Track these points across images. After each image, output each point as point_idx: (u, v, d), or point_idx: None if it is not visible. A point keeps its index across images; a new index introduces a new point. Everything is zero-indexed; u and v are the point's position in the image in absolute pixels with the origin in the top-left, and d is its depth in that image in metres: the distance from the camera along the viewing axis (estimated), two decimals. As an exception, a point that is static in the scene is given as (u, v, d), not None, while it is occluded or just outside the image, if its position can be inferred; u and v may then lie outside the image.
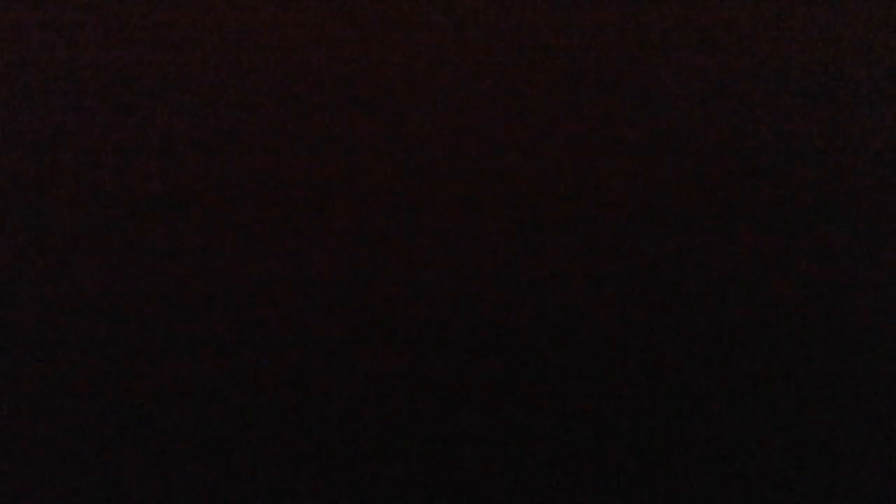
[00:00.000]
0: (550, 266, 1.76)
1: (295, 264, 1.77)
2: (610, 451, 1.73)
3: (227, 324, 1.75)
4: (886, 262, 1.76)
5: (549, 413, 1.75)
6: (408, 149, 1.79)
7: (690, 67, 1.79)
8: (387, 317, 1.76)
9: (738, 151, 1.79)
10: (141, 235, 1.77)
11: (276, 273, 1.76)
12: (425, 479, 1.73)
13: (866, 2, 1.76)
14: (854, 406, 1.75)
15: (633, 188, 1.78)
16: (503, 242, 1.77)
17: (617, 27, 1.79)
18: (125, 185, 1.78)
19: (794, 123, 1.79)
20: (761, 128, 1.79)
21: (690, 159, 1.78)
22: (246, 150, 1.78)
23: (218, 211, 1.77)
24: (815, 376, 1.75)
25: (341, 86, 1.79)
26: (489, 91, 1.79)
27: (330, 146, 1.78)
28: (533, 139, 1.79)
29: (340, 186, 1.78)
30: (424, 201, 1.78)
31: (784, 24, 1.79)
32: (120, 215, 1.77)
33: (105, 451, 1.73)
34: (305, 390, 1.75)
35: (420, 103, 1.79)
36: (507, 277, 1.76)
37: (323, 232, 1.77)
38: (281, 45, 1.79)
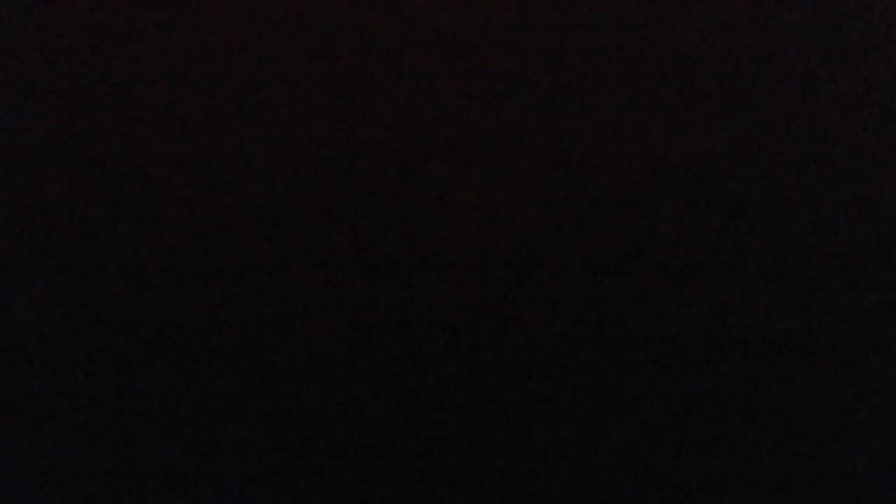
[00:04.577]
0: (551, 266, 1.76)
1: (294, 264, 1.77)
2: (609, 452, 1.74)
3: (226, 323, 1.75)
4: (886, 262, 1.77)
5: (548, 413, 1.75)
6: (407, 147, 1.79)
7: (690, 66, 1.79)
8: (387, 316, 1.76)
9: (738, 150, 1.79)
10: (139, 236, 1.77)
11: (276, 273, 1.76)
12: (424, 480, 1.73)
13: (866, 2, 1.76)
14: (854, 406, 1.75)
15: (632, 185, 1.78)
16: (503, 242, 1.77)
17: (617, 26, 1.79)
18: (123, 185, 1.78)
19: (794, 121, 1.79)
20: (761, 127, 1.79)
21: (691, 158, 1.78)
22: (246, 149, 1.78)
23: (217, 210, 1.77)
24: (813, 376, 1.76)
25: (339, 85, 1.79)
26: (489, 89, 1.79)
27: (329, 146, 1.79)
28: (532, 138, 1.79)
29: (340, 185, 1.78)
30: (423, 198, 1.79)
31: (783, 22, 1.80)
32: (119, 215, 1.77)
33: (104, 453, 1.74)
34: (306, 390, 1.76)
35: (419, 102, 1.79)
36: (507, 277, 1.77)
37: (321, 232, 1.77)
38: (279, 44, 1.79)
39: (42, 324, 1.75)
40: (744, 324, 1.76)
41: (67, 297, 1.76)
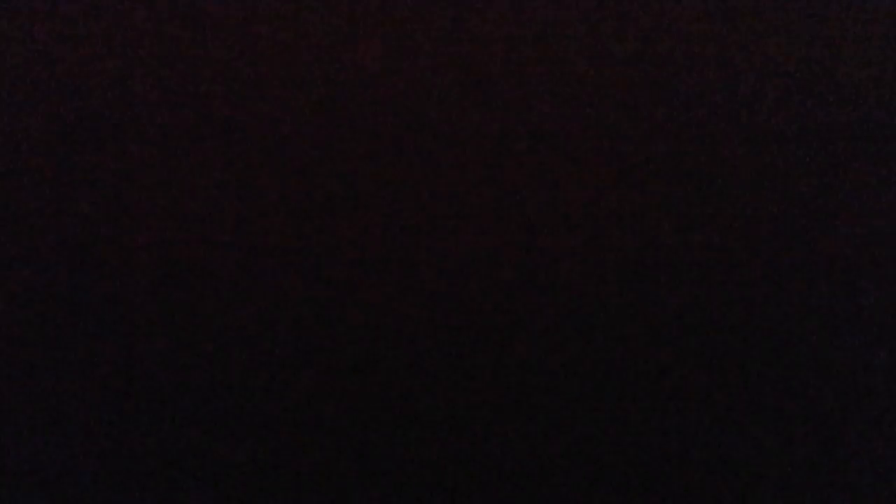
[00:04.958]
0: (552, 268, 1.76)
1: (295, 266, 1.76)
2: (610, 452, 1.73)
3: (225, 324, 1.75)
4: (886, 261, 1.76)
5: (549, 413, 1.75)
6: (409, 149, 1.79)
7: (692, 67, 1.79)
8: (388, 317, 1.76)
9: (739, 150, 1.79)
10: (140, 238, 1.77)
11: (277, 273, 1.76)
12: (424, 480, 1.73)
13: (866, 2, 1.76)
14: (854, 406, 1.75)
15: (633, 186, 1.78)
16: (505, 242, 1.77)
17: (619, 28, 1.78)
18: (123, 185, 1.78)
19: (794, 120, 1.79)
20: (762, 126, 1.79)
21: (692, 158, 1.78)
22: (247, 149, 1.78)
23: (218, 212, 1.77)
24: (812, 376, 1.75)
25: (340, 85, 1.79)
26: (490, 91, 1.79)
27: (330, 147, 1.78)
28: (535, 140, 1.79)
29: (341, 186, 1.78)
30: (425, 201, 1.78)
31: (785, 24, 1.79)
32: (119, 216, 1.77)
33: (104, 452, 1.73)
34: (305, 390, 1.75)
35: (420, 103, 1.79)
36: (509, 278, 1.76)
37: (322, 234, 1.77)
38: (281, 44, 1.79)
39: (41, 323, 1.75)
40: (744, 324, 1.76)
41: (66, 297, 1.75)
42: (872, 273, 1.76)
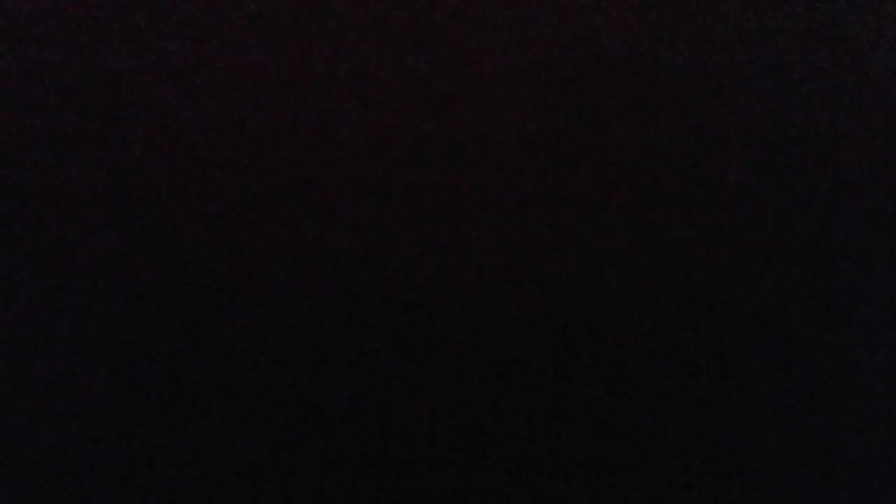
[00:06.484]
0: (551, 268, 1.76)
1: (294, 266, 1.77)
2: (609, 451, 1.73)
3: (224, 324, 1.75)
4: (886, 262, 1.77)
5: (549, 413, 1.75)
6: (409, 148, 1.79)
7: (692, 67, 1.79)
8: (387, 316, 1.76)
9: (739, 150, 1.79)
10: (140, 236, 1.77)
11: (276, 273, 1.76)
12: (424, 481, 1.73)
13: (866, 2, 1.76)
14: (854, 407, 1.75)
15: (632, 186, 1.78)
16: (504, 242, 1.77)
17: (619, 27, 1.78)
18: (124, 185, 1.78)
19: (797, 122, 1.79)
20: (764, 126, 1.79)
21: (692, 160, 1.78)
22: (247, 148, 1.78)
23: (217, 210, 1.77)
24: (814, 376, 1.76)
25: (341, 85, 1.79)
26: (490, 91, 1.79)
27: (330, 146, 1.78)
28: (534, 140, 1.79)
29: (341, 185, 1.78)
30: (424, 201, 1.78)
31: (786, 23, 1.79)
32: (119, 214, 1.77)
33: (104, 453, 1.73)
34: (305, 391, 1.75)
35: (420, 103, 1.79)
36: (508, 278, 1.76)
37: (321, 233, 1.77)
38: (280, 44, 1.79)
39: (42, 324, 1.75)
40: (744, 324, 1.76)
41: (67, 298, 1.75)
42: (873, 273, 1.76)
